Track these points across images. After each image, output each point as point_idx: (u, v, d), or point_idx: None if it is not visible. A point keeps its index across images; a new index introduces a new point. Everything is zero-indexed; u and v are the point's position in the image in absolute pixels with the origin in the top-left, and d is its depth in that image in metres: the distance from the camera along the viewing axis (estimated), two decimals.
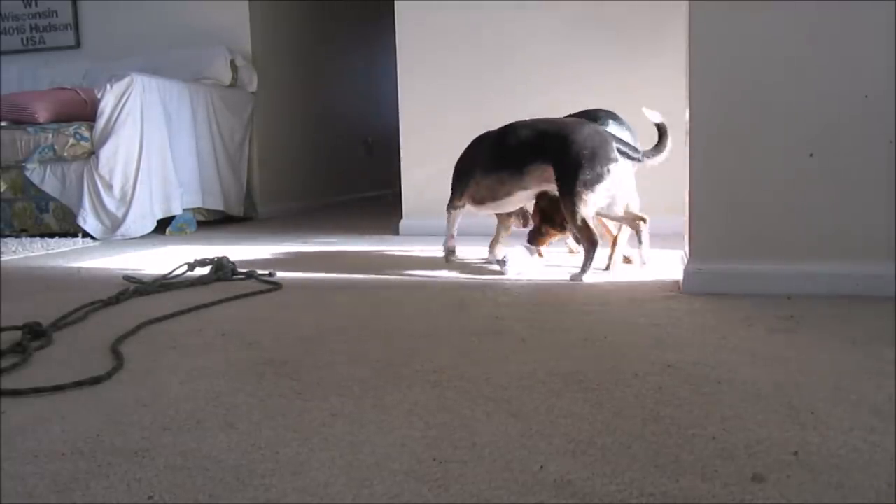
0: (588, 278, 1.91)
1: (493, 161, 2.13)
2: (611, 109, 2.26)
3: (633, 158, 1.96)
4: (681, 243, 1.91)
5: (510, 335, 1.36)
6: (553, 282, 1.93)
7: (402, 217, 3.42)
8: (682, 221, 1.81)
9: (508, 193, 2.11)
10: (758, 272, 1.67)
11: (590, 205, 1.92)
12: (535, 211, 2.22)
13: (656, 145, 1.98)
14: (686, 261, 1.76)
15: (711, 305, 1.57)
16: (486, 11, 3.26)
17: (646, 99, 3.05)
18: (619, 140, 1.96)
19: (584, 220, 1.92)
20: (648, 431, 0.86)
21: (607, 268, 2.06)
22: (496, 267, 2.15)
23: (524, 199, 2.16)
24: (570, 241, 2.40)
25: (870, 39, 1.59)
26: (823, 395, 0.97)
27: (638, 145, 2.07)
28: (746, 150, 1.68)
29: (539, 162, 1.99)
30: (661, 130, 1.97)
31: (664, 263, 2.18)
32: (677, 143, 1.91)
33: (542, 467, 0.77)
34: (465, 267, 2.23)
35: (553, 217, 2.15)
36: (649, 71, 3.05)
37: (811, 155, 1.64)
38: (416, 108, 3.36)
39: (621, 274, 2.04)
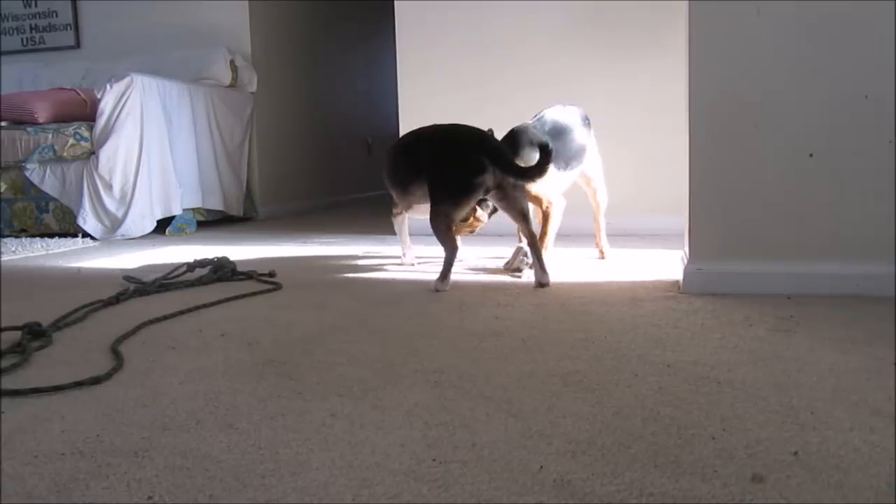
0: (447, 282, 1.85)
1: (392, 181, 2.11)
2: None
3: (505, 170, 1.83)
4: (681, 243, 1.91)
5: (510, 335, 1.36)
6: (553, 282, 1.93)
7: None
8: (682, 221, 1.81)
9: (419, 210, 2.09)
10: (758, 272, 1.67)
11: (452, 217, 1.88)
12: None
13: (536, 166, 1.80)
14: (686, 261, 1.76)
15: (711, 305, 1.57)
16: (486, 11, 3.26)
17: (645, 99, 3.06)
18: (492, 151, 1.83)
19: (444, 232, 1.89)
20: (648, 431, 0.86)
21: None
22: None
23: None
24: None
25: (870, 39, 1.59)
26: (823, 395, 0.97)
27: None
28: (746, 150, 1.68)
29: (418, 182, 1.97)
30: (544, 152, 1.78)
31: (664, 263, 2.18)
32: (677, 142, 1.90)
33: (542, 467, 0.77)
34: (465, 267, 2.24)
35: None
36: (649, 71, 3.06)
37: (811, 155, 1.64)
38: (416, 108, 3.37)
39: (621, 274, 2.04)
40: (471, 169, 1.84)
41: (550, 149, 1.78)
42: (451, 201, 1.87)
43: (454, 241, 1.90)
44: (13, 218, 3.55)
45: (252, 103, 4.36)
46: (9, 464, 0.82)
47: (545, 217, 2.07)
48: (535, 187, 2.02)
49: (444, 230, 1.89)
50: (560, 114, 2.16)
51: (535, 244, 1.91)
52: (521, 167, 1.84)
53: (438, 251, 1.94)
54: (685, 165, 1.74)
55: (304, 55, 5.15)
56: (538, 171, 1.80)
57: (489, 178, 1.84)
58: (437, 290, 1.83)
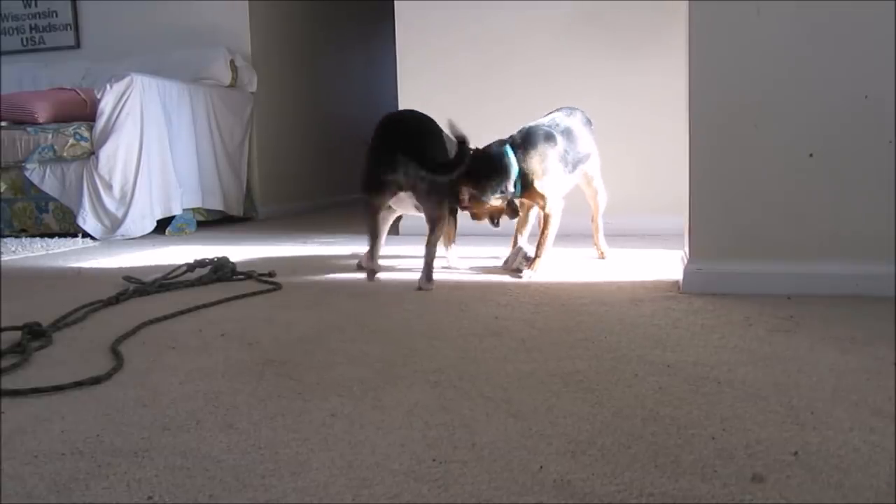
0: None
1: (365, 185, 2.02)
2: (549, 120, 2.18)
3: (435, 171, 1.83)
4: (681, 243, 1.91)
5: (510, 335, 1.36)
6: (553, 282, 1.93)
7: (402, 217, 3.42)
8: (682, 221, 1.81)
9: (391, 208, 2.07)
10: (758, 272, 1.67)
11: (375, 205, 1.91)
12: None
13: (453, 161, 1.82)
14: (686, 261, 1.75)
15: (711, 305, 1.57)
16: (486, 11, 3.26)
17: (645, 99, 3.06)
18: (408, 149, 1.83)
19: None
20: (648, 431, 0.86)
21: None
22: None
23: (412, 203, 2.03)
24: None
25: (870, 39, 1.59)
26: (823, 395, 0.97)
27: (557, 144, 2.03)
28: (746, 150, 1.68)
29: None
30: (461, 145, 1.79)
31: (664, 263, 2.18)
32: (677, 142, 1.90)
33: (541, 467, 0.77)
34: (465, 267, 2.23)
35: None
36: (649, 70, 3.05)
37: (811, 155, 1.64)
38: (416, 107, 3.36)
39: (621, 274, 2.04)
40: (381, 165, 1.82)
41: (468, 143, 1.79)
42: (365, 192, 1.89)
43: (374, 229, 1.92)
44: (13, 218, 3.55)
45: (252, 103, 4.36)
46: (9, 464, 0.82)
47: (545, 220, 2.07)
48: (540, 185, 2.03)
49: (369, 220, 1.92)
50: (569, 119, 2.21)
51: (432, 249, 1.91)
52: (437, 163, 1.82)
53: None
54: (685, 165, 1.74)
55: (304, 55, 5.15)
56: (453, 166, 1.80)
57: (401, 177, 1.81)
58: (420, 289, 1.83)
